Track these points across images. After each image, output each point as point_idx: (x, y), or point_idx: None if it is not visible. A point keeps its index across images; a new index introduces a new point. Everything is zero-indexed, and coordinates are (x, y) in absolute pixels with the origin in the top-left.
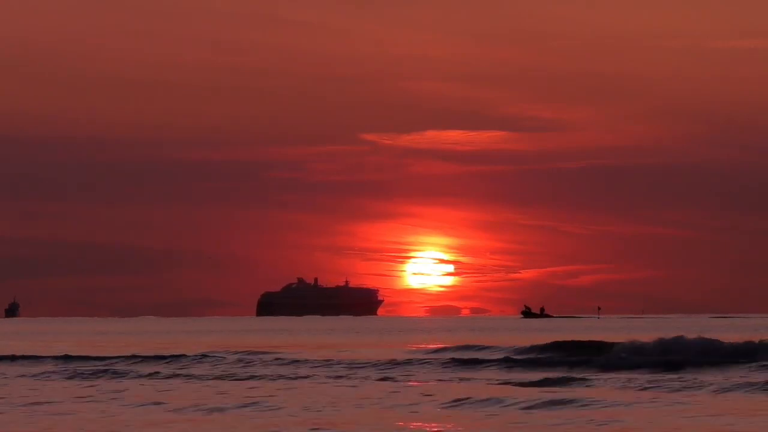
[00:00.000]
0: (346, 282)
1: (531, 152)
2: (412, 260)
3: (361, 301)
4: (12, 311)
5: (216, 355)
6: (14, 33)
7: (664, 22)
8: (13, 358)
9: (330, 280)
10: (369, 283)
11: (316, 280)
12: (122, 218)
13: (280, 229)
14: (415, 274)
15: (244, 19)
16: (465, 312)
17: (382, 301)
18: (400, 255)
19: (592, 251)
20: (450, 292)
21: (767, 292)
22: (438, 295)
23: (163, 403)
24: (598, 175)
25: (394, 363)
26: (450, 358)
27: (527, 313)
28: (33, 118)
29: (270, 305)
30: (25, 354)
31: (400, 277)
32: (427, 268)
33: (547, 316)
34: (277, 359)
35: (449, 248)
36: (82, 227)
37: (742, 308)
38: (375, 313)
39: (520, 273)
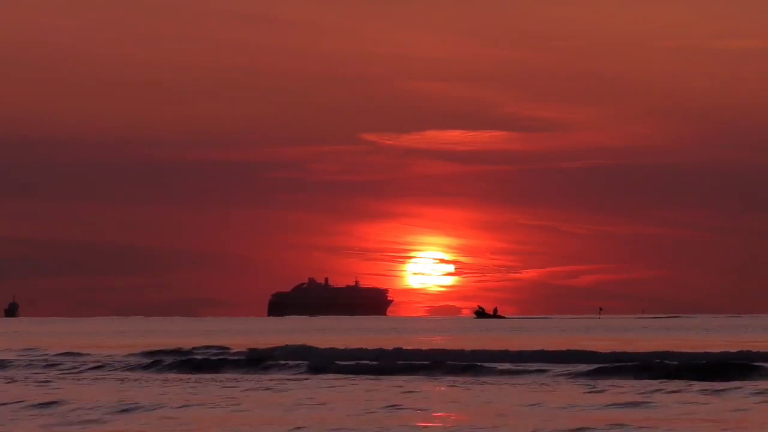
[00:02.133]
0: (356, 282)
1: (531, 152)
2: (413, 260)
3: (371, 301)
4: (11, 311)
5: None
6: (14, 33)
7: (664, 22)
8: None
9: (333, 280)
10: (369, 283)
11: (326, 280)
12: (122, 218)
13: (280, 230)
14: (415, 274)
15: (244, 19)
16: (465, 312)
17: (392, 301)
18: (401, 255)
19: (592, 251)
20: (450, 292)
21: (767, 292)
22: (438, 295)
23: None
24: (598, 175)
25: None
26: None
27: (480, 314)
28: (33, 118)
29: (281, 305)
30: None
31: (400, 277)
32: (428, 268)
33: (500, 316)
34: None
35: (450, 248)
36: (81, 227)
37: (742, 308)
38: (384, 313)
39: (520, 273)
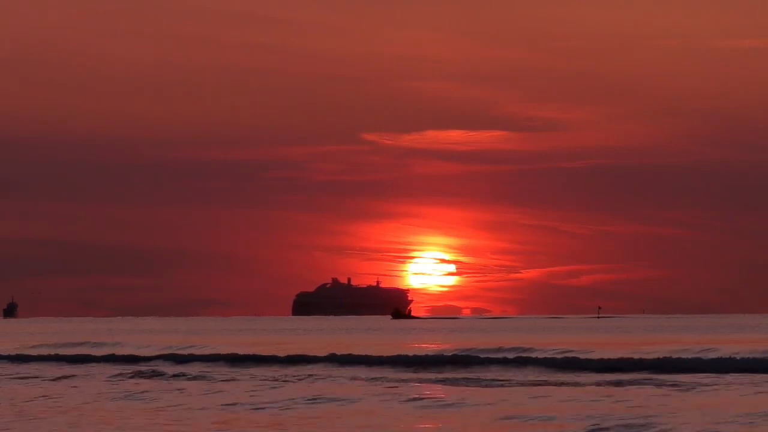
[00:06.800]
0: (377, 282)
1: (531, 152)
2: (414, 260)
3: (392, 301)
4: (10, 311)
5: None
6: (14, 33)
7: (664, 22)
8: None
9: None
10: (370, 282)
11: (349, 280)
12: (122, 218)
13: (280, 230)
14: (416, 274)
15: (245, 20)
16: (466, 312)
17: (412, 301)
18: (401, 255)
19: (592, 251)
20: (451, 292)
21: (767, 292)
22: (439, 295)
23: None
24: (598, 175)
25: None
26: None
27: (396, 314)
28: (33, 118)
29: (305, 305)
30: None
31: (401, 277)
32: (429, 268)
33: (413, 317)
34: None
35: (450, 248)
36: (81, 227)
37: (742, 308)
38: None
39: (521, 273)
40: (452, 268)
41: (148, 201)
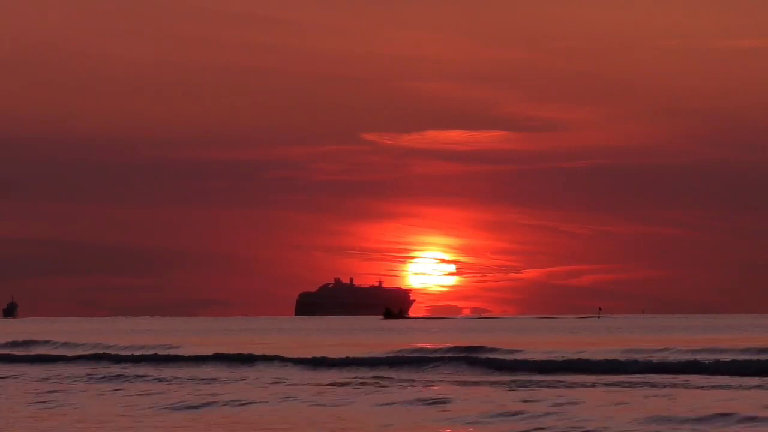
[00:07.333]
0: (380, 282)
1: (531, 152)
2: (414, 260)
3: (394, 301)
4: (10, 311)
5: None
6: (14, 33)
7: (663, 22)
8: None
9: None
10: (372, 282)
11: (351, 280)
12: (122, 218)
13: (280, 229)
14: (416, 274)
15: (245, 20)
16: (466, 312)
17: (414, 301)
18: (401, 255)
19: (592, 251)
20: (451, 292)
21: (767, 292)
22: (439, 295)
23: None
24: (598, 175)
25: None
26: None
27: (387, 314)
28: (33, 118)
29: (308, 305)
30: None
31: (401, 277)
32: (429, 268)
33: (405, 317)
34: None
35: (450, 248)
36: (81, 227)
37: (742, 308)
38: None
39: (521, 273)
40: (452, 268)
41: (148, 201)
